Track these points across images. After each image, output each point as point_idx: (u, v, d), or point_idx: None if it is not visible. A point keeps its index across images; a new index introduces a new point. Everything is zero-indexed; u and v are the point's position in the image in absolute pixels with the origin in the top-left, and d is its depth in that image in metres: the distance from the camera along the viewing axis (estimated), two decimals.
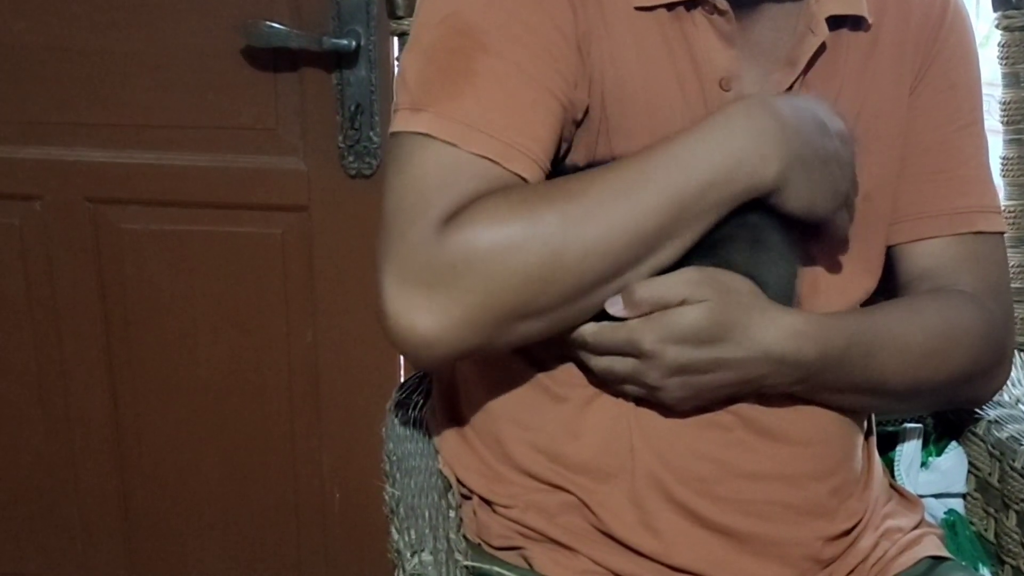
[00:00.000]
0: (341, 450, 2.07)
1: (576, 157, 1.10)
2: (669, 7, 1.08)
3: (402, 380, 1.44)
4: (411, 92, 1.05)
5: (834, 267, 1.15)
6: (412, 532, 1.06)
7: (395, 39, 1.61)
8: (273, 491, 2.11)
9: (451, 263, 0.97)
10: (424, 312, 0.98)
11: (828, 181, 1.05)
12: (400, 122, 1.04)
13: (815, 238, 1.10)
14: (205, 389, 2.07)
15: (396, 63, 1.69)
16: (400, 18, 1.52)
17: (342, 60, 1.89)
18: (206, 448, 2.10)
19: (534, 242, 0.97)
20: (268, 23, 1.85)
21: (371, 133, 1.92)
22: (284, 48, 1.88)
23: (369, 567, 2.10)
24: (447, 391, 1.24)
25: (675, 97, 1.09)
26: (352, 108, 1.91)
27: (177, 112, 1.94)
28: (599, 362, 1.06)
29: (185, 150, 1.96)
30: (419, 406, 1.32)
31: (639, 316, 1.02)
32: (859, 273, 1.18)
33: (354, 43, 1.86)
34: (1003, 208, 1.34)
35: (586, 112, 1.08)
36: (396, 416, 1.31)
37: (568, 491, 1.10)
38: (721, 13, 1.08)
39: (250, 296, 2.02)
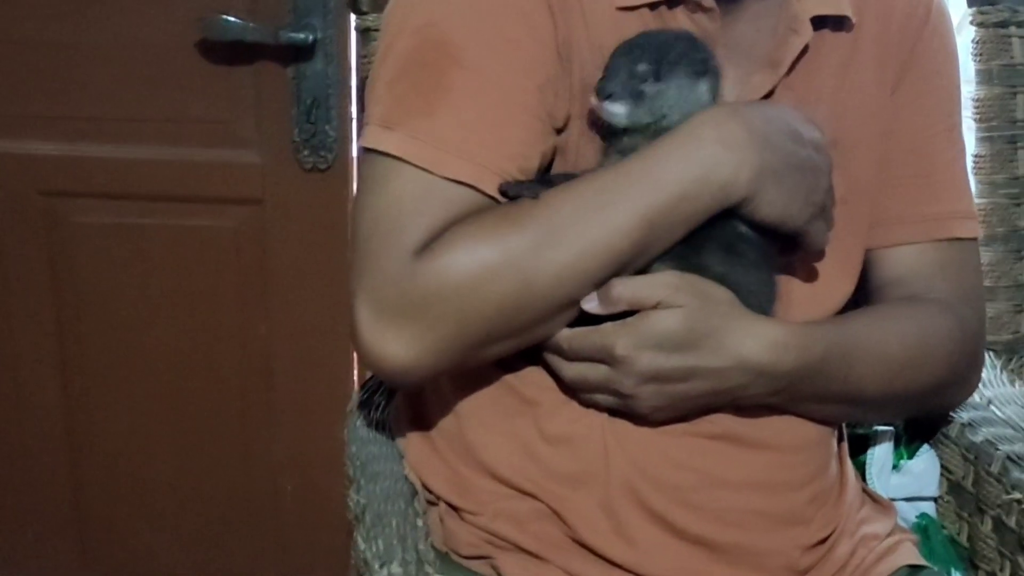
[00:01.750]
0: (294, 442, 2.06)
1: (561, 165, 1.07)
2: (651, 6, 1.06)
3: (359, 382, 1.42)
4: (383, 106, 1.02)
5: (813, 272, 1.13)
6: (380, 542, 1.03)
7: (355, 34, 1.58)
8: (226, 483, 2.09)
9: (424, 294, 0.97)
10: (398, 342, 0.98)
11: (801, 190, 1.02)
12: (372, 138, 1.02)
13: (792, 248, 1.08)
14: (158, 382, 2.05)
15: (357, 58, 1.67)
16: (364, 13, 1.48)
17: (299, 54, 1.87)
18: (159, 441, 2.08)
19: (505, 270, 0.96)
20: (224, 16, 1.83)
21: (327, 127, 1.90)
22: (240, 41, 1.85)
23: (322, 558, 2.09)
24: (412, 392, 1.21)
25: None
26: (308, 102, 1.88)
27: (131, 105, 1.92)
28: (571, 370, 1.03)
29: (139, 143, 1.93)
30: (382, 407, 1.29)
31: (614, 313, 1.00)
32: (838, 278, 1.16)
33: (311, 37, 1.84)
34: (977, 211, 1.33)
35: (568, 119, 1.06)
36: (359, 418, 1.28)
37: (539, 498, 1.07)
38: (705, 11, 1.06)
39: (203, 290, 2.00)
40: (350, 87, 1.87)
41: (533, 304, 0.98)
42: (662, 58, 1.00)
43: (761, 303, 1.05)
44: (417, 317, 0.97)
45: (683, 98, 1.01)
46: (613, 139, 1.04)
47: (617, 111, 1.00)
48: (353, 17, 1.56)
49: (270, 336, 2.01)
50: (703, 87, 1.02)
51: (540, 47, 1.02)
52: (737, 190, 0.99)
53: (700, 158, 0.98)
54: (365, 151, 1.03)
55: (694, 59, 1.01)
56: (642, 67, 1.00)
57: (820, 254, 1.12)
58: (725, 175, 0.99)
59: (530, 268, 0.97)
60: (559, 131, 1.06)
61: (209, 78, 1.89)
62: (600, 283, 0.99)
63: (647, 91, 1.00)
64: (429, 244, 0.97)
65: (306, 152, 1.91)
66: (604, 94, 1.00)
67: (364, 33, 1.51)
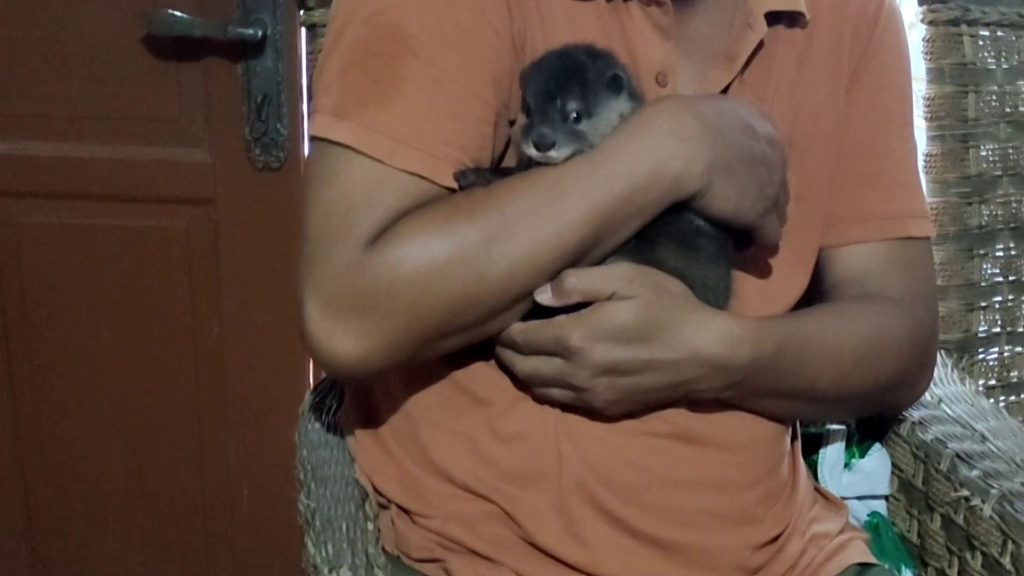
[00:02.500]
0: (249, 444, 2.04)
1: (513, 155, 1.06)
2: None
3: (314, 382, 1.40)
4: (333, 95, 1.01)
5: (767, 269, 1.14)
6: (329, 546, 1.02)
7: (304, 30, 1.57)
8: (180, 486, 2.07)
9: (374, 289, 0.95)
10: (347, 336, 0.97)
11: (754, 185, 1.02)
12: (322, 127, 1.00)
13: (746, 243, 1.08)
14: (109, 385, 2.01)
15: (306, 55, 1.65)
16: (311, 9, 1.47)
17: (248, 50, 1.84)
18: (110, 444, 2.04)
19: (456, 264, 0.95)
20: (171, 11, 1.80)
21: (279, 125, 1.87)
22: (188, 37, 1.82)
23: (279, 562, 2.07)
24: (363, 394, 1.19)
25: None
26: (259, 99, 1.86)
27: (76, 102, 1.88)
28: (525, 365, 1.03)
29: (85, 141, 1.90)
30: (333, 410, 1.28)
31: (568, 304, 0.99)
32: (792, 274, 1.16)
33: (260, 32, 1.81)
34: (929, 210, 1.34)
35: None
36: (309, 421, 1.26)
37: (490, 500, 1.07)
38: (658, 4, 1.06)
39: (154, 291, 1.97)
40: (301, 84, 1.84)
41: (485, 298, 0.97)
42: (585, 90, 0.98)
43: (716, 298, 1.05)
44: (368, 311, 0.96)
45: (612, 120, 1.00)
46: None
47: (558, 156, 0.98)
48: (301, 12, 1.55)
49: (222, 337, 1.98)
50: (623, 99, 1.01)
51: (495, 37, 1.01)
52: (689, 183, 0.99)
53: (653, 150, 0.98)
54: (315, 140, 1.01)
55: (609, 77, 1.00)
56: (571, 106, 0.98)
57: (774, 249, 1.13)
58: (677, 168, 0.98)
59: (482, 262, 0.96)
60: (512, 122, 1.05)
61: (157, 74, 1.86)
62: (553, 276, 0.98)
63: (584, 130, 0.99)
64: (380, 236, 0.96)
65: (257, 151, 1.88)
66: (545, 144, 0.97)
67: (311, 29, 1.49)
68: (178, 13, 1.79)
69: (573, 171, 0.97)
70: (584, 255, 0.99)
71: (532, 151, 0.98)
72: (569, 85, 0.98)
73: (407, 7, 1.00)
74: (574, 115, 0.98)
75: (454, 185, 0.99)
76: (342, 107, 1.00)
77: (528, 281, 0.98)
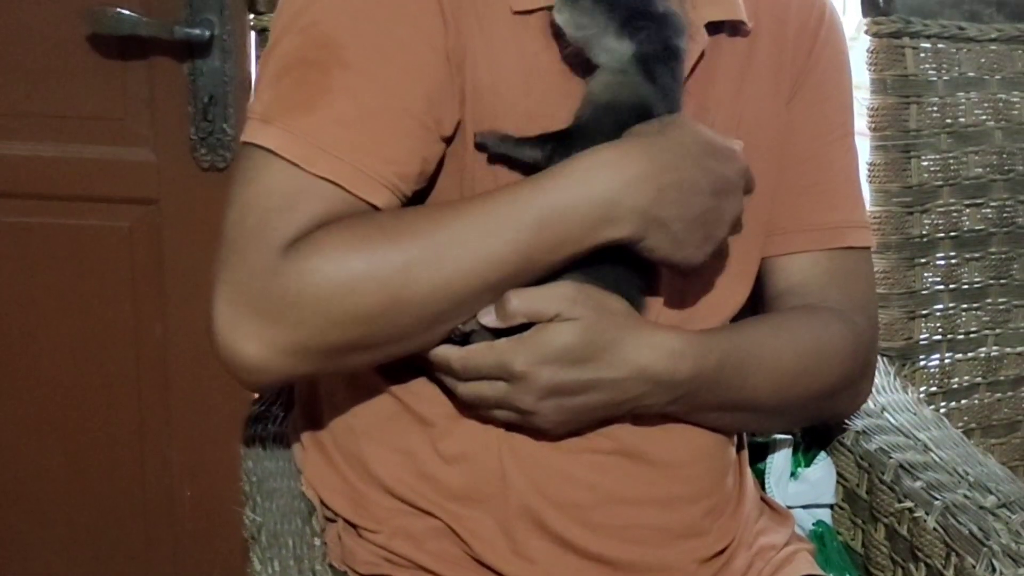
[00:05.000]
0: (192, 446, 2.02)
1: (449, 173, 1.05)
2: (551, 8, 1.04)
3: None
4: (264, 101, 1.00)
5: (709, 279, 1.14)
6: (276, 563, 1.02)
7: (253, 33, 1.56)
8: (121, 489, 2.04)
9: (284, 295, 0.94)
10: (252, 340, 0.95)
11: (694, 239, 1.01)
12: (249, 132, 1.00)
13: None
14: (49, 386, 1.99)
15: (255, 57, 1.64)
16: (261, 13, 1.46)
17: (195, 50, 1.82)
18: (50, 446, 2.02)
19: (371, 284, 0.94)
20: (117, 10, 1.78)
21: (225, 125, 1.86)
22: (133, 36, 1.80)
23: (220, 566, 2.05)
24: (308, 405, 1.19)
25: (558, 105, 1.04)
26: (205, 99, 1.84)
27: (17, 99, 1.86)
28: (467, 388, 1.02)
29: (26, 139, 1.88)
30: (279, 419, 1.27)
31: (511, 326, 0.98)
32: (734, 285, 1.17)
33: (208, 33, 1.80)
34: (868, 214, 1.35)
35: (458, 126, 1.04)
36: (254, 431, 1.25)
37: (436, 516, 1.06)
38: None
39: (96, 291, 1.95)
40: (249, 85, 1.83)
41: (398, 320, 0.96)
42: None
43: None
44: (276, 318, 0.95)
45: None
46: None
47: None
48: (251, 16, 1.54)
49: (165, 338, 1.96)
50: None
51: (429, 51, 1.01)
52: (621, 237, 0.98)
53: (591, 200, 0.97)
54: (243, 145, 1.01)
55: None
56: None
57: (718, 260, 1.12)
58: (612, 222, 0.97)
59: (398, 285, 0.95)
60: (449, 139, 1.04)
61: (102, 73, 1.84)
62: (472, 305, 0.98)
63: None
64: (297, 243, 0.95)
65: (203, 151, 1.87)
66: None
67: (261, 33, 1.49)
68: (124, 12, 1.77)
69: (506, 207, 0.97)
70: (504, 288, 0.98)
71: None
72: None
73: (342, 19, 1.00)
74: None
75: (371, 197, 0.98)
76: (269, 112, 0.99)
77: (444, 309, 0.97)
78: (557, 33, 1.03)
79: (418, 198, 1.04)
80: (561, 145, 1.01)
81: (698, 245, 1.02)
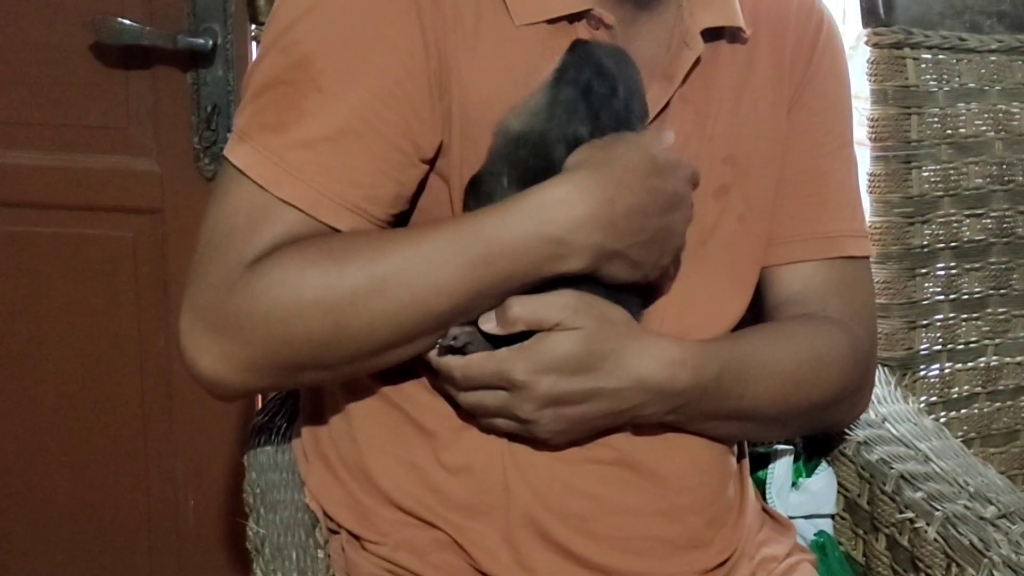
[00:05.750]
0: (195, 456, 2.01)
1: (435, 191, 1.06)
2: (551, 21, 1.05)
3: (261, 400, 1.39)
4: (243, 118, 1.02)
5: (708, 290, 1.14)
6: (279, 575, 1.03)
7: (254, 44, 1.56)
8: (125, 499, 2.04)
9: (237, 313, 0.97)
10: (208, 353, 0.98)
11: (647, 261, 1.02)
12: (228, 147, 1.02)
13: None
14: (52, 395, 1.99)
15: None
16: (263, 23, 1.46)
17: (198, 59, 1.83)
18: (54, 456, 2.02)
19: (317, 310, 0.96)
20: (120, 19, 1.78)
21: (228, 135, 1.84)
22: (136, 45, 1.80)
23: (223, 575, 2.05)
24: (311, 417, 1.19)
25: None
26: (208, 109, 1.85)
27: (22, 109, 1.86)
28: (468, 397, 1.03)
29: (31, 149, 1.88)
30: (283, 431, 1.28)
31: (511, 333, 0.99)
32: (734, 294, 1.17)
33: (211, 42, 1.80)
34: (869, 224, 1.36)
35: (440, 147, 1.05)
36: (258, 442, 1.26)
37: (440, 528, 1.07)
38: (606, 27, 1.06)
39: (100, 301, 1.95)
40: None
41: (345, 344, 0.98)
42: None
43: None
44: (230, 334, 0.97)
45: None
46: None
47: None
48: (252, 26, 1.54)
49: (169, 348, 1.96)
50: None
51: (405, 75, 1.01)
52: (572, 269, 0.98)
53: (541, 238, 0.96)
54: (223, 159, 1.03)
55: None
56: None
57: (715, 270, 1.14)
58: (562, 257, 0.97)
59: (344, 312, 0.96)
60: (432, 161, 1.05)
61: (105, 83, 1.84)
62: (418, 335, 0.99)
63: None
64: (256, 263, 0.97)
65: (206, 160, 1.87)
66: None
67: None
68: (127, 22, 1.78)
69: (456, 241, 0.97)
70: (452, 321, 0.99)
71: None
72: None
73: (320, 40, 1.01)
74: None
75: (334, 221, 0.99)
76: (245, 130, 1.01)
77: (389, 337, 0.98)
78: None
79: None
80: (471, 193, 1.03)
81: (655, 261, 1.03)
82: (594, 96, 1.00)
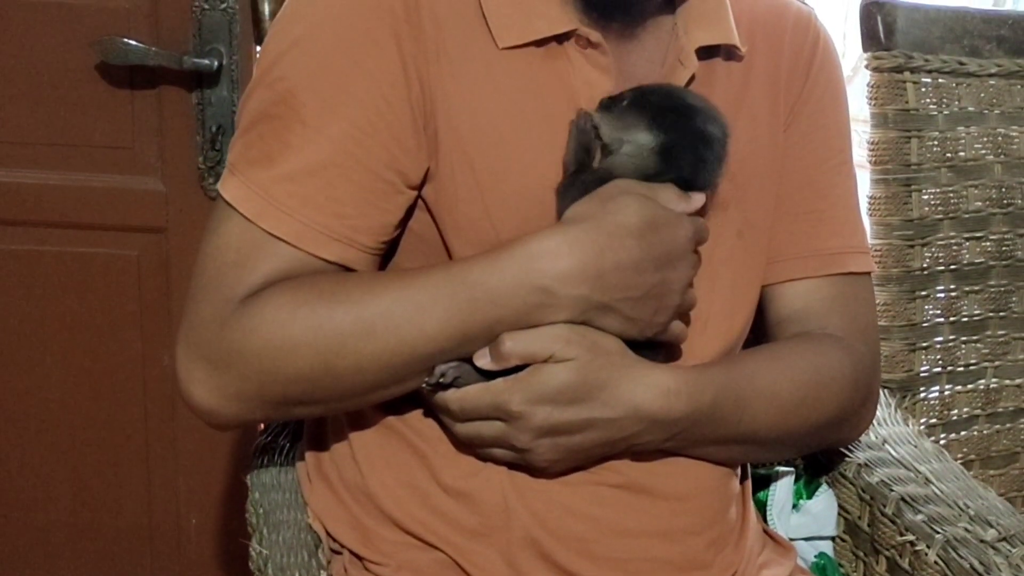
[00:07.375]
0: (198, 475, 2.02)
1: (436, 214, 1.07)
2: (539, 43, 1.06)
3: None
4: (234, 152, 1.04)
5: (709, 307, 1.13)
6: None
7: None
8: (127, 516, 2.04)
9: (230, 349, 0.99)
10: (202, 386, 1.02)
11: (641, 317, 1.02)
12: (220, 181, 1.04)
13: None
14: (56, 413, 1.99)
15: None
16: None
17: (203, 79, 1.84)
18: (57, 472, 2.02)
19: (307, 350, 0.98)
20: (126, 40, 1.79)
21: None
22: (142, 66, 1.81)
23: None
24: (314, 437, 1.20)
25: (544, 137, 1.05)
26: (213, 129, 1.85)
27: (27, 128, 1.87)
28: (465, 428, 1.03)
29: (37, 167, 1.88)
30: (286, 451, 1.28)
31: (505, 368, 1.00)
32: (734, 312, 1.17)
33: (216, 63, 1.81)
34: (870, 247, 1.36)
35: (428, 173, 1.05)
36: (261, 462, 1.27)
37: (441, 550, 1.07)
38: (594, 46, 1.07)
39: (104, 319, 1.96)
40: None
41: (334, 384, 1.00)
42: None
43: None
44: (223, 368, 1.00)
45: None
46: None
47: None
48: (257, 47, 1.55)
49: (173, 367, 1.95)
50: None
51: (386, 106, 1.02)
52: (559, 319, 0.99)
53: (527, 287, 0.98)
54: (218, 193, 1.04)
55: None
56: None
57: (717, 289, 1.13)
58: (548, 307, 0.98)
59: (332, 353, 0.98)
60: (419, 187, 1.06)
61: (110, 103, 1.85)
62: (405, 376, 1.01)
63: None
64: (248, 299, 0.99)
65: (211, 180, 1.87)
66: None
67: None
68: (133, 42, 1.79)
69: (445, 286, 0.99)
70: (439, 361, 1.00)
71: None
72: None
73: (302, 75, 1.03)
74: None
75: (321, 252, 1.01)
76: (235, 164, 1.03)
77: (377, 378, 1.00)
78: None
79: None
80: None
81: (650, 319, 1.02)
82: (702, 159, 1.06)
